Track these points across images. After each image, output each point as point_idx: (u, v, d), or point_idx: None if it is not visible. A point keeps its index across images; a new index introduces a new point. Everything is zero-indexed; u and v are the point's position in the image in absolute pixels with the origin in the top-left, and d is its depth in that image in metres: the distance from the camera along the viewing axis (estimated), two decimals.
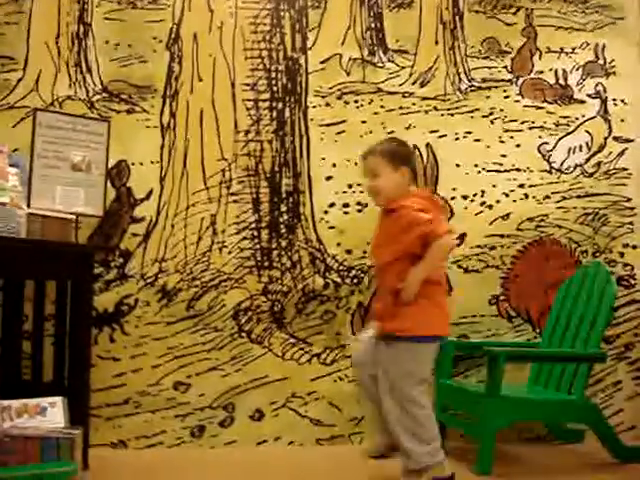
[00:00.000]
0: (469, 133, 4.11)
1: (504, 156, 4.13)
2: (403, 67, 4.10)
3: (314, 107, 4.01)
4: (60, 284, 3.46)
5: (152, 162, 3.88)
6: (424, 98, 4.09)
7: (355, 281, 3.96)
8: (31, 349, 3.54)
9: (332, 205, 3.99)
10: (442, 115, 4.10)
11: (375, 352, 3.06)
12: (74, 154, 3.39)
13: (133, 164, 3.86)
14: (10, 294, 3.58)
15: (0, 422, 2.85)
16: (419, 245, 2.92)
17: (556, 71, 4.25)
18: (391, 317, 2.98)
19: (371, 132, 4.02)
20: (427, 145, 4.06)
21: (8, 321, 3.57)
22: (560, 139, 4.20)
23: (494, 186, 4.11)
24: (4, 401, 2.92)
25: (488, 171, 4.11)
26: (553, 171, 4.17)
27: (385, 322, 3.02)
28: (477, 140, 4.11)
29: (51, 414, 2.95)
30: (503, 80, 4.19)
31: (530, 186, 4.13)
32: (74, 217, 3.38)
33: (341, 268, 3.96)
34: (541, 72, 4.23)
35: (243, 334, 3.84)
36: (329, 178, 3.99)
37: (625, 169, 4.24)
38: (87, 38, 3.92)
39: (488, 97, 4.16)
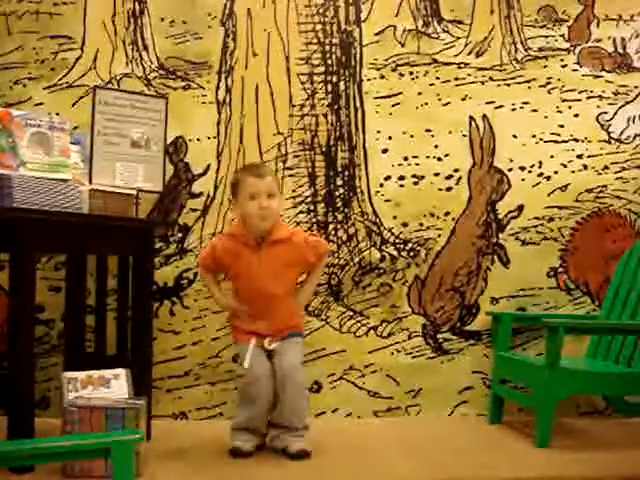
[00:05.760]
0: (526, 103, 4.05)
1: (562, 126, 4.06)
2: (458, 37, 4.05)
3: (369, 80, 3.99)
4: (121, 259, 3.52)
5: (209, 138, 3.91)
6: (480, 68, 4.04)
7: (411, 254, 3.96)
8: (95, 323, 3.62)
9: (388, 178, 3.98)
10: (498, 85, 4.05)
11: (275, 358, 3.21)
12: (133, 131, 3.43)
13: (190, 140, 3.90)
14: (73, 269, 3.66)
15: (66, 393, 2.92)
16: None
17: (614, 39, 4.15)
18: (288, 323, 3.27)
19: (427, 104, 3.99)
20: (483, 116, 4.02)
21: (72, 296, 3.66)
22: (619, 108, 4.10)
23: (552, 157, 4.04)
24: (69, 373, 2.99)
25: (546, 142, 4.04)
26: (612, 141, 4.08)
27: (281, 329, 3.24)
28: (534, 110, 4.04)
29: (115, 386, 3.01)
30: (560, 49, 4.09)
31: (589, 156, 4.06)
32: (134, 193, 3.44)
33: (397, 241, 3.96)
34: (599, 40, 4.13)
35: None
36: (385, 151, 3.98)
37: None
38: (143, 16, 3.95)
39: (545, 66, 4.08)
